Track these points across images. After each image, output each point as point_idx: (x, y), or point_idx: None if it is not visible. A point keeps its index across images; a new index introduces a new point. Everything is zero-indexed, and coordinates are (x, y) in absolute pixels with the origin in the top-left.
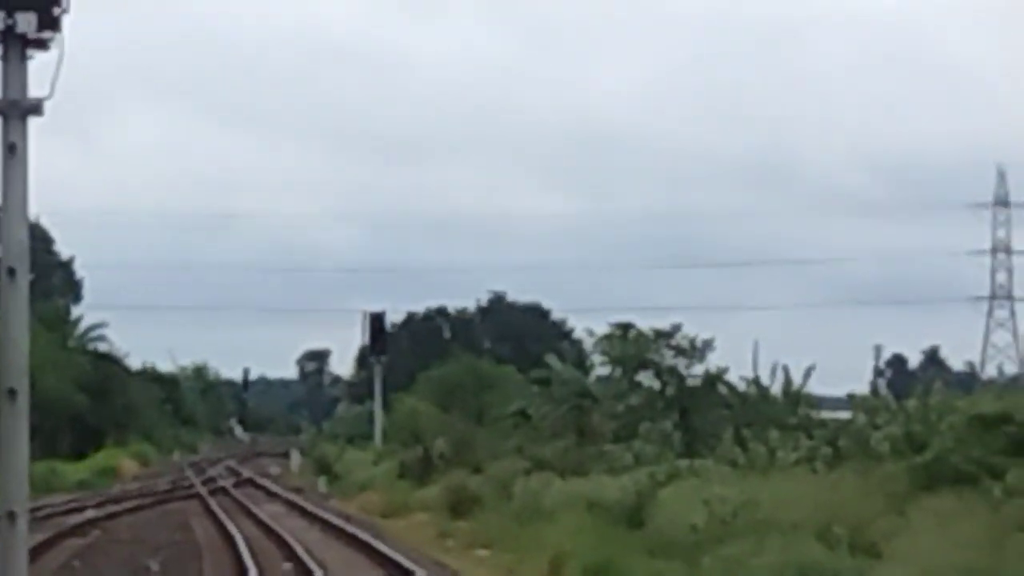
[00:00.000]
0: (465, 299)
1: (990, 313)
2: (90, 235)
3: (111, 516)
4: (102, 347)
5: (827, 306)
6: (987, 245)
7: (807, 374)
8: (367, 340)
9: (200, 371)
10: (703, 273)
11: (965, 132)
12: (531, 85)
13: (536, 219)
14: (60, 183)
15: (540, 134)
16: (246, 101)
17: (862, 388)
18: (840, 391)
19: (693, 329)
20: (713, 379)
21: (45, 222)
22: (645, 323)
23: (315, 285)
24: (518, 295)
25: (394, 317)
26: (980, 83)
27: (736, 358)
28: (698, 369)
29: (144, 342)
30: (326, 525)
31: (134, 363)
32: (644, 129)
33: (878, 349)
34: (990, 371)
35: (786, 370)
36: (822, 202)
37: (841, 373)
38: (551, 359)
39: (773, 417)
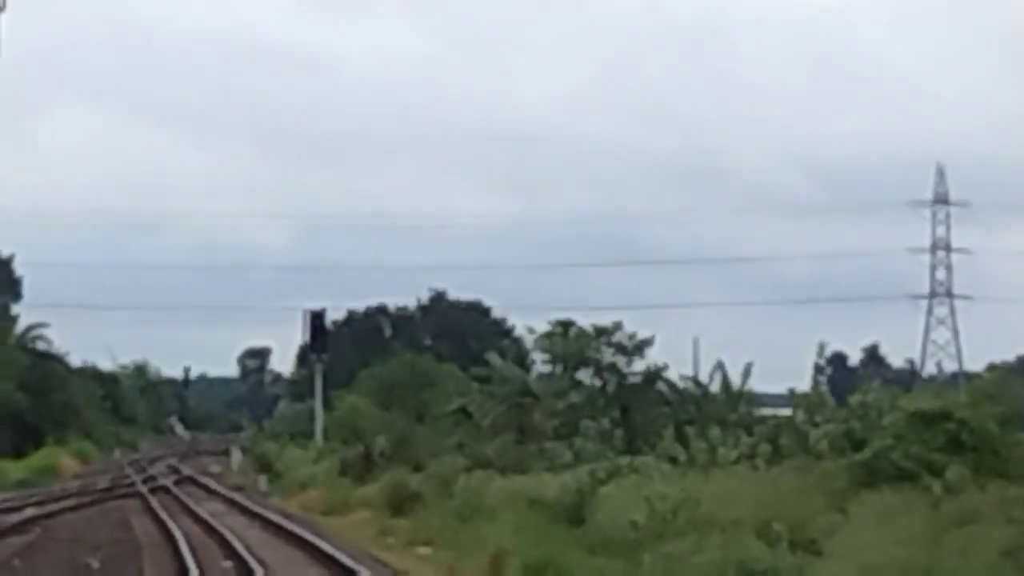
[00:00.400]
0: (404, 298)
1: (930, 311)
2: (27, 234)
3: (51, 514)
4: (42, 346)
5: (766, 304)
6: (926, 243)
7: (746, 372)
8: (308, 338)
9: (140, 369)
10: (640, 271)
11: (899, 132)
12: (457, 85)
13: (470, 219)
14: None
15: (468, 135)
16: (176, 101)
17: (803, 385)
18: (781, 388)
19: (633, 327)
20: (652, 376)
21: None
22: (585, 321)
23: (254, 284)
24: (458, 293)
25: (335, 315)
26: (913, 83)
27: (676, 356)
28: (638, 366)
29: (84, 341)
30: (267, 523)
31: (74, 361)
32: (572, 130)
33: (822, 346)
34: (930, 368)
35: (722, 367)
36: (756, 203)
37: (782, 370)
38: (492, 357)
39: (713, 414)
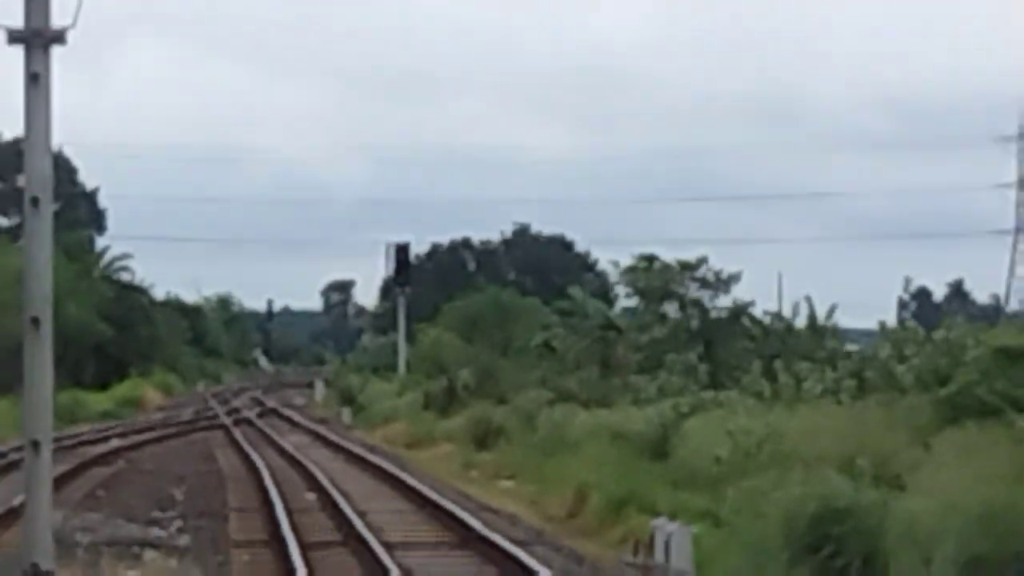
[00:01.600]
0: (487, 232)
1: (1015, 246)
2: (110, 167)
3: (135, 446)
4: (126, 278)
5: (849, 240)
6: (1012, 178)
7: (831, 310)
8: (391, 271)
9: (224, 302)
10: (720, 207)
11: (985, 68)
12: (530, 21)
13: (546, 154)
14: (77, 115)
15: (540, 70)
16: (251, 38)
17: (888, 321)
18: (866, 323)
19: (715, 262)
20: (738, 312)
21: (69, 152)
22: (667, 255)
23: (334, 217)
24: (540, 227)
25: (418, 249)
26: (996, 18)
27: (759, 291)
28: (723, 302)
29: (168, 273)
30: (350, 456)
31: (158, 294)
32: (645, 65)
33: (907, 280)
34: (1014, 304)
35: (810, 302)
36: (833, 139)
37: (865, 306)
38: (575, 291)
39: (798, 349)
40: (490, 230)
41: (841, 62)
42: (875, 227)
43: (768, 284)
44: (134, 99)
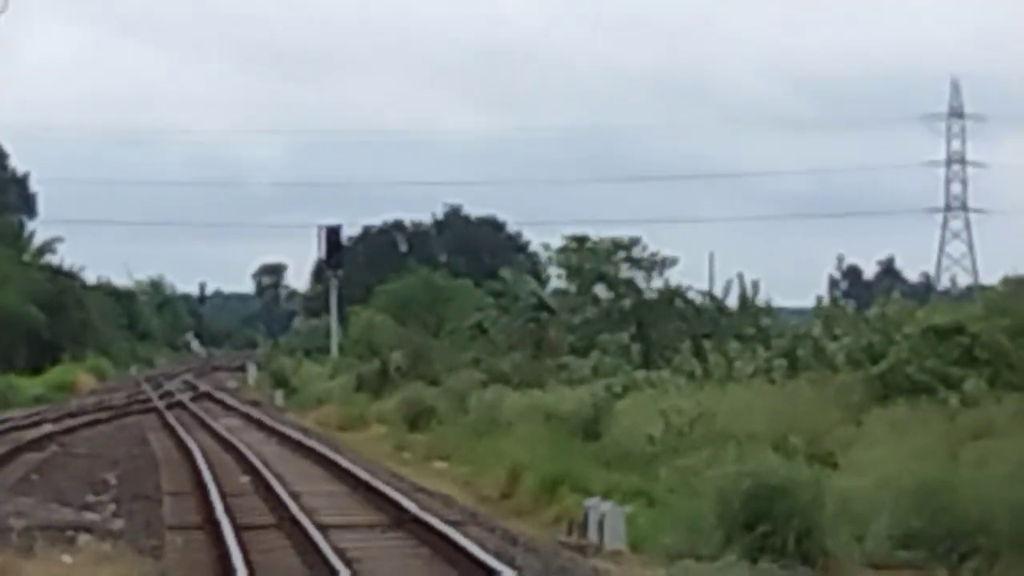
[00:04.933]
0: (411, 212)
1: (945, 224)
2: (28, 150)
3: (68, 430)
4: (56, 261)
5: (778, 219)
6: (941, 156)
7: (756, 287)
8: (323, 254)
9: (156, 285)
10: (642, 187)
11: (893, 44)
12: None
13: (458, 134)
14: None
15: (446, 48)
16: (156, 17)
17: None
18: (797, 302)
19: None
20: (672, 294)
21: None
22: (597, 236)
23: (259, 199)
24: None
25: (350, 231)
26: None
27: (688, 271)
28: (656, 283)
29: (97, 257)
30: (283, 438)
31: (89, 278)
32: (550, 43)
33: (840, 258)
34: (945, 282)
35: (741, 281)
36: (750, 116)
37: (796, 285)
38: (506, 272)
39: (730, 329)
40: (413, 211)
41: (748, 38)
42: (801, 206)
43: (697, 264)
44: (40, 80)
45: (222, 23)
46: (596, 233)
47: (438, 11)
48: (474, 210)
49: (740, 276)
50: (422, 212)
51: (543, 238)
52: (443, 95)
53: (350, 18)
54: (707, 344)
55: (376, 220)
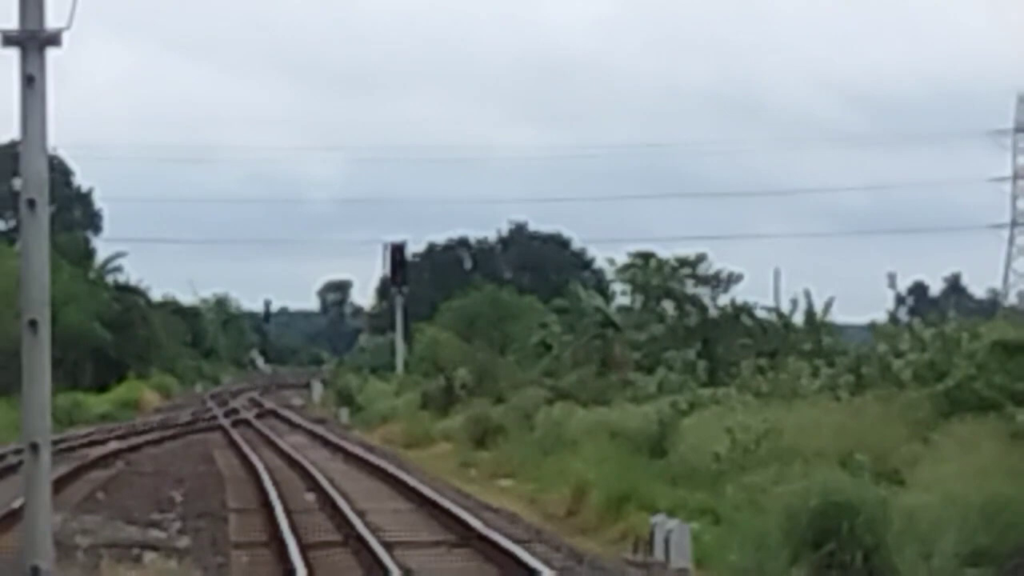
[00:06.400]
0: (474, 229)
1: (1011, 240)
2: (95, 168)
3: (134, 448)
4: (121, 278)
5: (841, 235)
6: (1008, 172)
7: (828, 304)
8: (388, 271)
9: (221, 303)
10: (704, 203)
11: (973, 58)
12: (483, 13)
13: (519, 151)
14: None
15: (496, 65)
16: (205, 36)
17: (883, 316)
18: (862, 319)
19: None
20: (739, 311)
21: (64, 154)
22: (661, 253)
23: (320, 217)
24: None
25: (414, 248)
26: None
27: (752, 287)
28: (721, 300)
29: (162, 275)
30: (349, 456)
31: (154, 295)
32: (601, 59)
33: (892, 277)
34: (1012, 298)
35: (809, 297)
36: (806, 133)
37: (860, 301)
38: (575, 288)
39: (795, 345)
40: (471, 227)
41: (804, 55)
42: (862, 223)
43: (761, 280)
44: (93, 99)
45: (276, 42)
46: (658, 249)
47: (491, 27)
48: (539, 227)
49: (807, 293)
50: (480, 229)
51: (605, 254)
52: (497, 112)
53: (403, 35)
54: (772, 361)
55: (439, 237)
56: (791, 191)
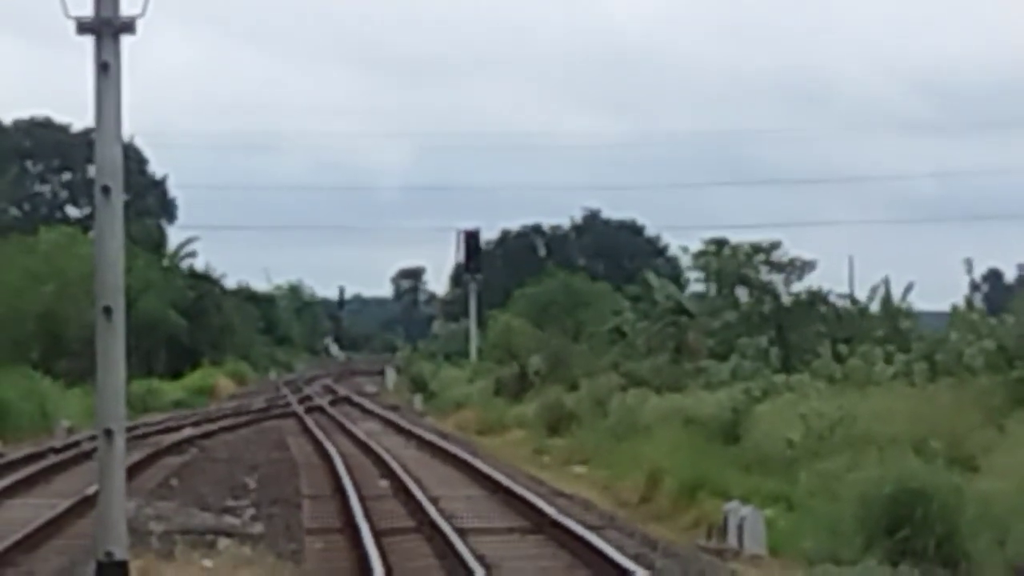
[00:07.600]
0: (545, 216)
1: None
2: (167, 156)
3: (208, 435)
4: (195, 266)
5: (913, 223)
6: None
7: (907, 290)
8: (462, 258)
9: (295, 290)
10: (773, 190)
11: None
12: (547, 2)
13: (585, 139)
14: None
15: (563, 53)
16: (266, 26)
17: (960, 303)
18: (938, 306)
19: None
20: (814, 298)
21: (139, 142)
22: (734, 239)
23: (391, 204)
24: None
25: (488, 235)
26: None
27: (825, 274)
28: (796, 287)
29: (234, 262)
30: (422, 442)
31: (229, 283)
32: (667, 47)
33: (969, 263)
34: None
35: (887, 284)
36: (872, 120)
37: (936, 289)
38: (649, 275)
39: (870, 332)
40: (541, 214)
41: (869, 42)
42: (934, 210)
43: (833, 268)
44: (170, 89)
45: (343, 30)
46: (731, 236)
47: (556, 15)
48: (613, 214)
49: (886, 280)
50: (548, 215)
51: (678, 241)
52: (564, 99)
53: (467, 23)
54: (846, 348)
55: (512, 224)
56: (860, 178)
